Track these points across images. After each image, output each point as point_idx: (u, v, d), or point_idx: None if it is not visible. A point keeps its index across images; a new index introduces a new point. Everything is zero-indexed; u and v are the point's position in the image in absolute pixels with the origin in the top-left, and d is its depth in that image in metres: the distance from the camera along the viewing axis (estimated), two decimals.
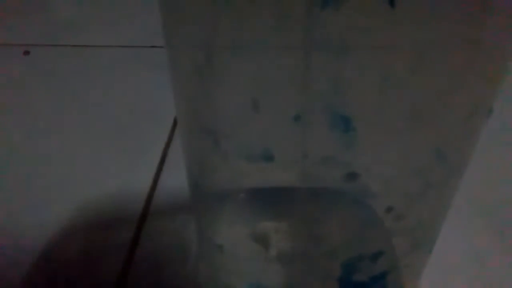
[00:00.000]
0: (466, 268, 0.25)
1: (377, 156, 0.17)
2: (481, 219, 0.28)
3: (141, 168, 0.31)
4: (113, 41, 0.43)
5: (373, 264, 0.19)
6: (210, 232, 0.21)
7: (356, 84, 0.15)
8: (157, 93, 0.37)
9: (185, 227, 0.27)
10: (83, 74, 0.40)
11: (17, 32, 0.45)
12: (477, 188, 0.28)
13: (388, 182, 0.18)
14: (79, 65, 0.41)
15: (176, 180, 0.29)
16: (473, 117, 0.15)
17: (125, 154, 0.32)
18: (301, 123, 0.16)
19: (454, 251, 0.26)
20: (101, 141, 0.33)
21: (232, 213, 0.21)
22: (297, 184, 0.18)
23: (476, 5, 0.13)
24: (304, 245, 0.20)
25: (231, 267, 0.20)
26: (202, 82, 0.16)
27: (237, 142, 0.17)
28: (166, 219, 0.28)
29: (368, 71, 0.14)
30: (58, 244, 0.27)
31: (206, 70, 0.15)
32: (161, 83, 0.36)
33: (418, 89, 0.15)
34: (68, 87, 0.38)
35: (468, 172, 0.17)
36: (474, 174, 0.20)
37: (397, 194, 0.18)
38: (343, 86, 0.14)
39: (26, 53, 0.42)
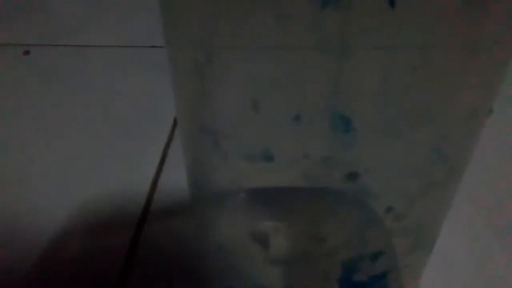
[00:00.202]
0: (466, 268, 0.25)
1: (377, 156, 0.17)
2: (481, 219, 0.28)
3: (141, 168, 0.31)
4: (113, 41, 0.43)
5: (373, 264, 0.19)
6: (210, 232, 0.21)
7: (356, 84, 0.15)
8: (157, 93, 0.37)
9: (185, 227, 0.27)
10: (83, 74, 0.40)
11: (17, 32, 0.45)
12: (477, 188, 0.28)
13: (388, 182, 0.18)
14: (79, 65, 0.41)
15: (176, 180, 0.29)
16: (473, 117, 0.15)
17: (125, 154, 0.32)
18: (301, 123, 0.16)
19: (454, 251, 0.26)
20: (101, 141, 0.33)
21: (232, 213, 0.21)
22: (297, 184, 0.18)
23: (476, 5, 0.13)
24: (304, 245, 0.20)
25: (231, 267, 0.20)
26: (202, 82, 0.16)
27: (237, 142, 0.17)
28: (166, 219, 0.28)
29: (368, 71, 0.14)
30: (58, 244, 0.27)
31: (206, 70, 0.15)
32: (161, 83, 0.36)
33: (418, 89, 0.15)
34: (68, 87, 0.38)
35: (468, 172, 0.17)
36: (474, 174, 0.20)
37: (397, 194, 0.18)
38: (343, 86, 0.14)
39: (26, 53, 0.42)
